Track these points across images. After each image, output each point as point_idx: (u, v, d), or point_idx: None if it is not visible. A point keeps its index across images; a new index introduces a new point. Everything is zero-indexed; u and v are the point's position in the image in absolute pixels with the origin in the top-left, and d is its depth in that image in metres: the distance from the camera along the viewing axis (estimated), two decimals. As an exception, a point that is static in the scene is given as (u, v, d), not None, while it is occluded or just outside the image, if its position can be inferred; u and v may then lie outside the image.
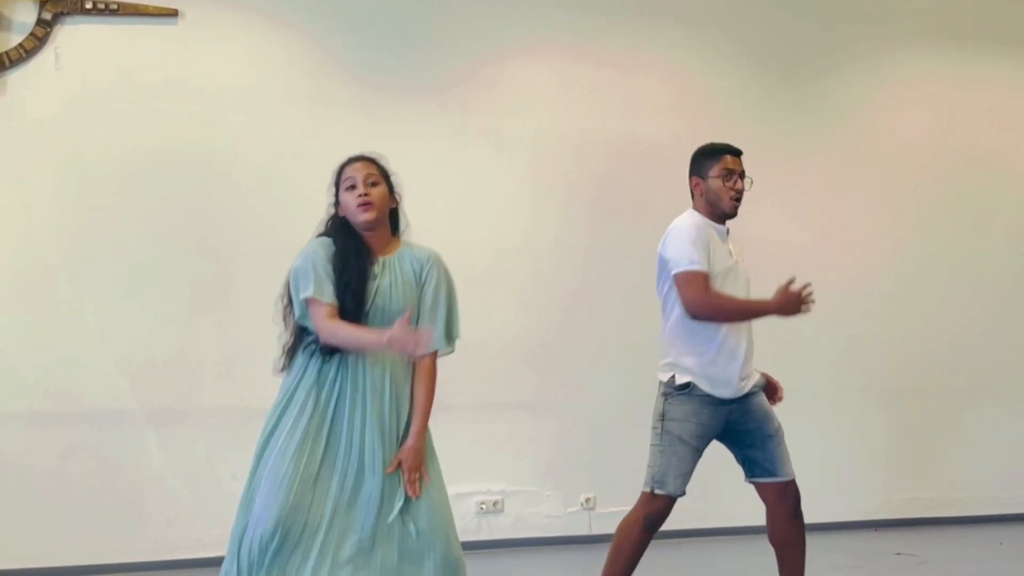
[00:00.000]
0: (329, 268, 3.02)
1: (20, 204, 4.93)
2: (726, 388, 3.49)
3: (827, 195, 6.05)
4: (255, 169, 5.19)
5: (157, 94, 5.07)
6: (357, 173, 3.11)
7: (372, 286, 3.02)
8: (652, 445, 3.52)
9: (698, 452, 3.50)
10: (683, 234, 3.48)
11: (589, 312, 5.61)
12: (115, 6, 5.02)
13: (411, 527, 2.97)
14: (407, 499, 2.98)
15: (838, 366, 5.99)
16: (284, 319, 3.22)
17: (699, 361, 3.49)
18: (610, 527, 5.42)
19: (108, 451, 4.95)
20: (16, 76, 4.93)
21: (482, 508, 5.39)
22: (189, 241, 5.10)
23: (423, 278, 3.12)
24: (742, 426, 3.55)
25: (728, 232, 3.66)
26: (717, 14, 5.93)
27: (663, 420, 3.49)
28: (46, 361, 4.90)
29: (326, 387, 3.03)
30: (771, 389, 3.72)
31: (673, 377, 3.51)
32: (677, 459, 3.43)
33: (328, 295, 2.98)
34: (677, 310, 3.51)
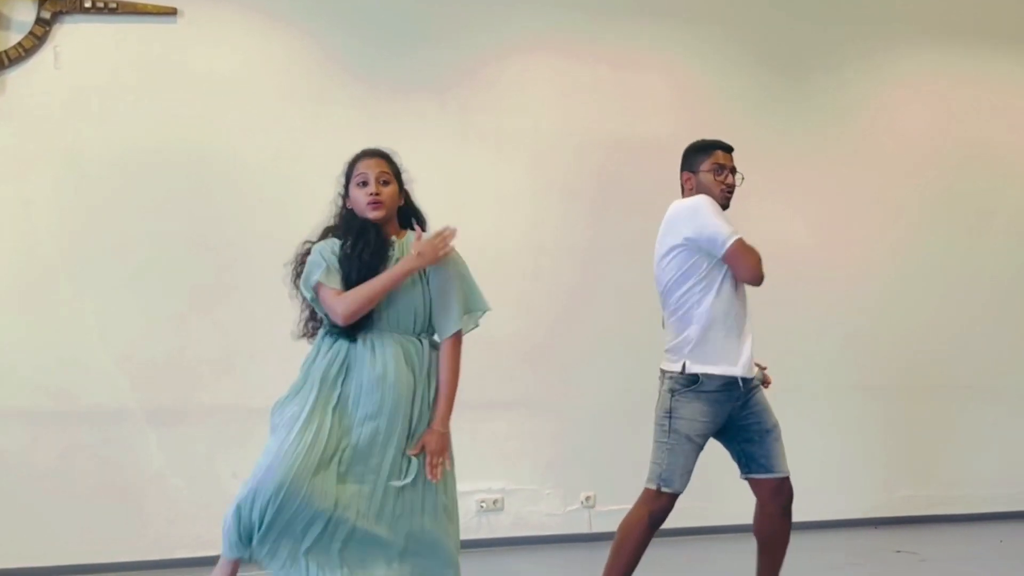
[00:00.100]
0: (336, 261, 3.01)
1: (19, 203, 4.92)
2: (740, 363, 3.46)
3: (827, 193, 6.06)
4: (255, 168, 5.19)
5: (156, 93, 5.07)
6: (370, 170, 3.12)
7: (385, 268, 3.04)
8: (658, 441, 3.48)
9: (701, 448, 3.50)
10: (707, 208, 3.48)
11: (589, 310, 5.62)
12: (114, 5, 5.01)
13: (417, 519, 2.99)
14: (420, 494, 2.98)
15: (838, 364, 5.99)
16: (296, 289, 3.23)
17: (712, 337, 3.46)
18: (610, 525, 5.44)
19: (108, 450, 4.95)
20: (15, 75, 4.93)
21: (482, 506, 5.39)
22: (189, 240, 5.09)
23: (436, 277, 3.14)
24: (741, 420, 3.54)
25: None
26: (717, 12, 5.93)
27: (670, 417, 3.46)
28: (46, 360, 4.90)
29: (335, 366, 3.04)
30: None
31: (683, 367, 3.46)
32: (684, 457, 3.42)
33: (335, 283, 3.00)
34: (690, 287, 3.49)
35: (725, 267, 3.50)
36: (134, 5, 5.05)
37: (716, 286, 3.49)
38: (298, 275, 3.17)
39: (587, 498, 5.57)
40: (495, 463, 5.41)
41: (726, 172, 3.60)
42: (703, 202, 3.50)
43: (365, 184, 3.10)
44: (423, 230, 3.21)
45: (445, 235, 2.97)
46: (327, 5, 5.35)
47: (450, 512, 3.11)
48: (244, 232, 5.15)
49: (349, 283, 3.01)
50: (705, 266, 3.49)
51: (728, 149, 3.67)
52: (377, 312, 3.03)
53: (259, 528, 2.89)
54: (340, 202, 3.20)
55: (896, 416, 6.09)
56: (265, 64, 5.27)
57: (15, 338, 4.88)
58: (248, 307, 5.12)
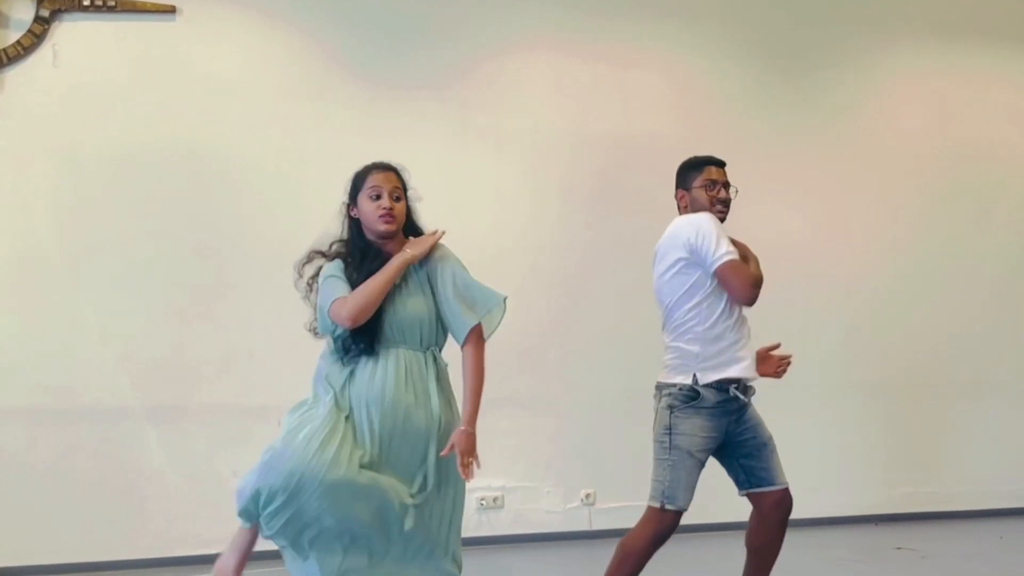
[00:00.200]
0: (340, 285, 3.04)
1: (19, 201, 4.92)
2: (741, 369, 3.45)
3: (826, 190, 6.05)
4: (254, 166, 5.19)
5: (155, 91, 5.07)
6: (384, 184, 3.11)
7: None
8: (659, 459, 3.45)
9: (702, 464, 3.48)
10: (707, 225, 3.46)
11: (589, 308, 5.61)
12: (113, 3, 5.01)
13: (424, 523, 3.00)
14: (426, 498, 3.01)
15: (838, 361, 5.99)
16: (307, 300, 3.24)
17: (714, 349, 3.46)
18: (610, 523, 5.47)
19: (108, 448, 4.95)
20: (14, 73, 4.93)
21: (482, 504, 5.39)
22: (188, 238, 5.09)
23: (431, 276, 3.15)
24: (737, 436, 3.53)
25: None
26: (715, 10, 5.93)
27: (670, 434, 3.43)
28: (46, 358, 4.90)
29: (342, 382, 3.04)
30: (772, 360, 3.67)
31: (694, 378, 3.44)
32: (687, 473, 3.39)
33: (341, 292, 3.01)
34: (694, 303, 3.50)
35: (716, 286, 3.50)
36: (133, 3, 5.05)
37: (721, 304, 3.48)
38: (309, 287, 3.18)
39: (587, 495, 5.57)
40: (495, 461, 5.37)
41: (718, 187, 3.59)
42: (704, 218, 3.48)
43: (378, 198, 3.08)
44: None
45: (436, 234, 2.98)
46: (326, 4, 5.35)
47: (456, 504, 3.12)
48: (243, 230, 5.15)
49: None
50: (709, 284, 3.47)
51: (720, 164, 3.66)
52: (383, 325, 3.02)
53: (269, 507, 2.89)
54: (345, 211, 3.17)
55: (896, 413, 6.08)
56: (264, 63, 5.27)
57: (15, 336, 4.89)
58: (248, 305, 5.12)
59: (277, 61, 5.29)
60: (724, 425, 3.47)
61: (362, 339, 3.01)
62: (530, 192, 5.59)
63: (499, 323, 3.22)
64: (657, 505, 3.40)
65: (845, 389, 5.99)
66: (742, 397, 3.47)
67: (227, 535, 5.00)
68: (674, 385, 3.47)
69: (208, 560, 4.97)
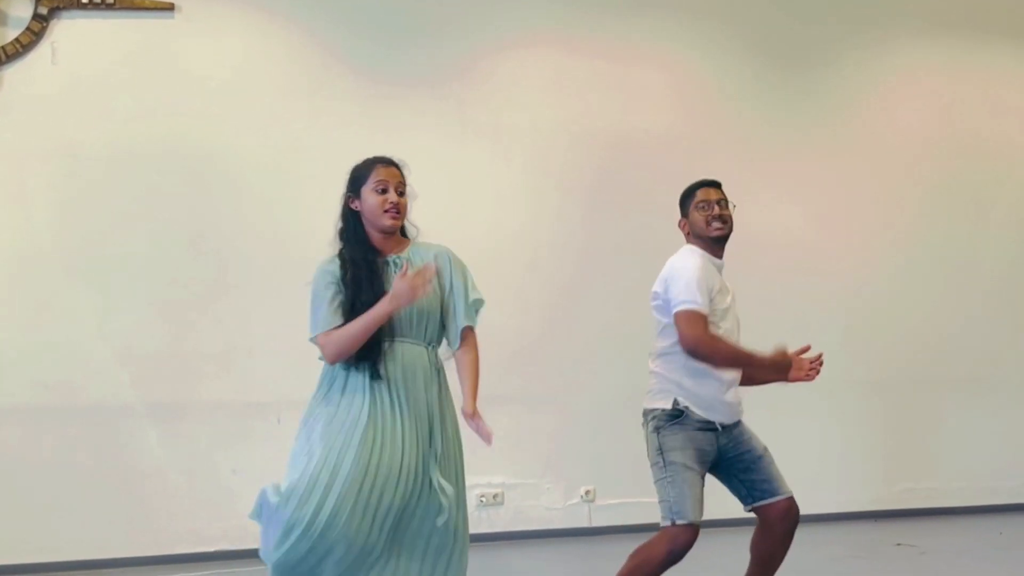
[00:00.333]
0: (333, 297, 2.99)
1: (18, 198, 4.92)
2: (719, 412, 3.47)
3: (825, 187, 6.05)
4: (253, 163, 5.19)
5: (153, 88, 5.07)
6: (391, 178, 3.09)
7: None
8: (658, 480, 3.43)
9: (702, 476, 3.45)
10: (688, 273, 3.45)
11: (588, 304, 5.61)
12: (111, 0, 5.01)
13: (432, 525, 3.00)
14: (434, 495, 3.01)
15: (838, 358, 5.92)
16: None
17: (695, 384, 3.47)
18: (610, 519, 5.48)
19: (108, 445, 4.95)
20: (13, 71, 4.93)
21: (482, 501, 5.39)
22: (187, 235, 5.09)
23: (441, 274, 3.14)
24: (732, 452, 3.52)
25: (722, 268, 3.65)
26: (715, 6, 5.93)
27: (662, 453, 3.43)
28: (46, 356, 4.90)
29: (356, 392, 3.00)
30: (804, 364, 3.64)
31: (673, 403, 3.44)
32: (688, 486, 3.38)
33: (328, 324, 2.96)
34: (673, 342, 3.48)
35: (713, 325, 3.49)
36: (131, 1, 5.04)
37: None
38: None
39: (587, 492, 5.57)
40: (495, 457, 5.34)
41: (712, 205, 3.59)
42: (690, 265, 3.47)
43: (384, 191, 3.07)
44: (408, 240, 3.19)
45: (426, 275, 2.90)
46: (325, 0, 5.34)
47: (459, 501, 3.12)
48: (243, 227, 5.15)
49: (352, 310, 2.99)
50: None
51: (710, 184, 3.66)
52: (394, 323, 3.02)
53: (288, 552, 2.86)
54: (345, 202, 3.15)
55: (895, 409, 6.08)
56: (263, 60, 5.27)
57: (14, 334, 4.88)
58: (247, 302, 5.12)
59: (276, 58, 5.29)
60: (714, 439, 3.47)
61: (365, 365, 2.99)
62: (529, 189, 5.59)
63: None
64: (668, 524, 3.37)
65: (845, 385, 5.97)
66: (726, 422, 3.48)
67: (226, 532, 5.04)
68: (657, 409, 3.49)
69: (209, 557, 5.00)
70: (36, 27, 4.93)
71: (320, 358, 3.02)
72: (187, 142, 5.10)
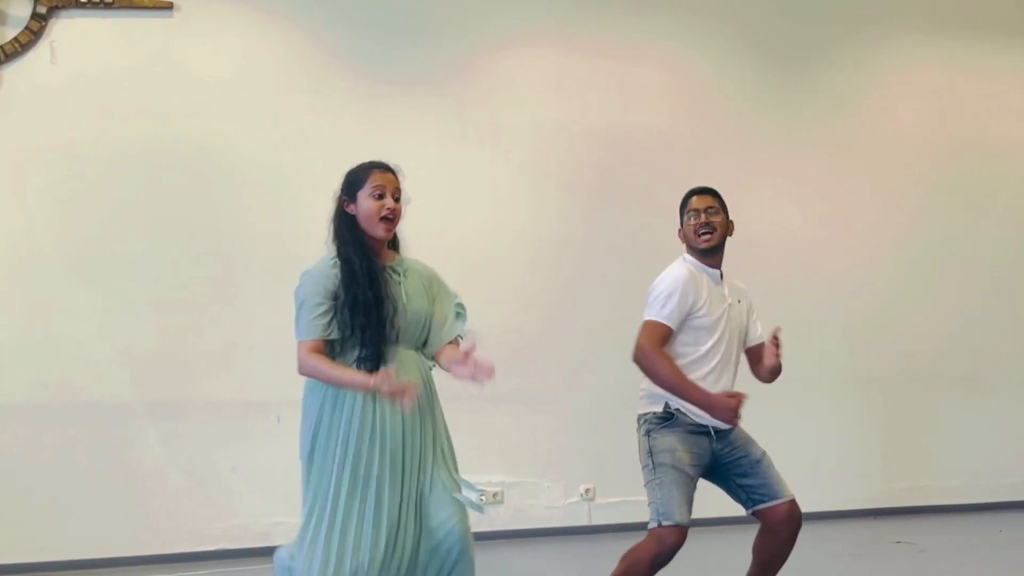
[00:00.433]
0: (318, 305, 2.96)
1: (17, 197, 4.92)
2: (711, 417, 3.47)
3: (825, 185, 6.06)
4: (252, 162, 5.19)
5: (152, 87, 5.07)
6: (388, 184, 3.08)
7: (388, 305, 3.02)
8: (647, 483, 3.44)
9: (693, 481, 3.45)
10: (664, 284, 3.51)
11: (588, 302, 5.61)
12: (110, 0, 5.01)
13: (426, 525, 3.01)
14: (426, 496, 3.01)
15: (837, 355, 5.99)
16: None
17: (692, 380, 3.47)
18: (610, 518, 5.48)
19: (108, 445, 4.95)
20: (11, 70, 4.92)
21: (482, 499, 5.39)
22: (187, 234, 5.09)
23: (432, 292, 3.16)
24: (728, 457, 3.52)
25: (722, 275, 3.63)
26: (714, 5, 5.93)
27: (652, 455, 3.44)
28: (45, 355, 4.90)
29: (347, 416, 2.99)
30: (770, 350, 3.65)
31: (664, 406, 3.46)
32: (676, 487, 3.38)
33: (315, 332, 2.94)
34: (678, 346, 3.51)
35: (689, 332, 3.50)
36: (130, 0, 5.04)
37: (691, 355, 3.50)
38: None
39: (587, 491, 5.57)
40: (495, 456, 5.41)
41: (700, 214, 3.59)
42: (673, 277, 3.51)
43: (381, 196, 3.07)
44: (396, 252, 3.18)
45: (409, 392, 2.84)
46: (324, -1, 5.35)
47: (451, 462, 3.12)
48: (242, 226, 5.15)
49: (353, 310, 2.99)
50: (672, 335, 3.51)
51: (700, 192, 3.66)
52: (399, 327, 3.03)
53: None
54: (339, 205, 3.12)
55: (895, 407, 6.09)
56: (262, 59, 5.27)
57: (14, 333, 4.88)
58: (247, 301, 5.12)
59: (275, 57, 5.29)
60: (706, 444, 3.46)
61: (370, 361, 2.99)
62: (528, 188, 5.59)
63: None
64: (655, 525, 3.38)
65: (844, 383, 5.99)
66: (721, 427, 3.48)
67: (227, 531, 5.04)
68: (648, 413, 3.51)
69: (208, 556, 5.00)
70: (35, 26, 4.92)
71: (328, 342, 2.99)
72: (186, 141, 5.10)
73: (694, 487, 3.45)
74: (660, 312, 3.44)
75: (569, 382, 5.56)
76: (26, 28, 4.92)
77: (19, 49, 4.91)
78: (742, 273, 3.78)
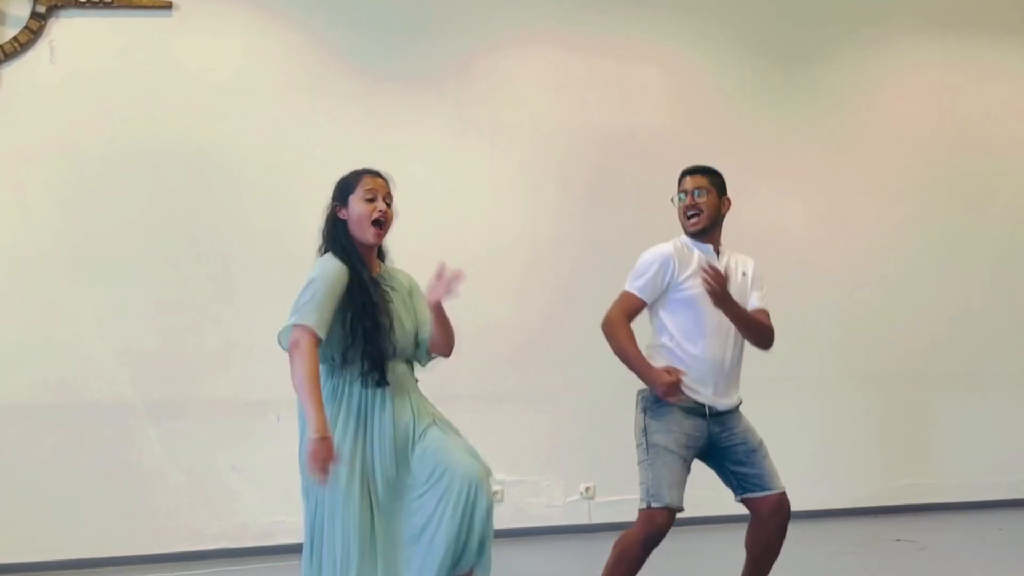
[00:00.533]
0: (330, 296, 2.96)
1: (17, 197, 4.92)
2: (706, 395, 3.48)
3: (823, 182, 6.06)
4: (252, 161, 5.19)
5: (152, 87, 5.07)
6: (380, 188, 3.09)
7: (386, 319, 3.03)
8: (640, 462, 3.48)
9: (686, 463, 3.46)
10: (647, 259, 3.57)
11: (588, 300, 5.55)
12: (109, 0, 5.01)
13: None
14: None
15: (836, 353, 6.00)
16: None
17: (683, 356, 3.49)
18: (610, 516, 5.47)
19: (108, 444, 4.95)
20: (11, 69, 4.92)
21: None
22: (187, 234, 5.09)
23: (414, 303, 3.17)
24: (724, 442, 3.53)
25: (720, 250, 3.64)
26: (712, 4, 5.93)
27: (647, 434, 3.48)
28: (45, 354, 4.90)
29: (351, 419, 3.01)
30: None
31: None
32: (667, 469, 3.40)
33: (310, 320, 2.92)
34: (661, 316, 3.57)
35: (673, 309, 3.54)
36: (129, 0, 5.04)
37: (680, 330, 3.54)
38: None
39: (586, 489, 5.58)
40: (494, 454, 5.29)
41: (687, 195, 3.61)
42: (656, 252, 3.56)
43: (372, 200, 3.07)
44: (382, 260, 3.18)
45: (321, 467, 2.81)
46: (323, -3, 5.35)
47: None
48: (242, 225, 5.15)
49: (343, 316, 2.99)
50: (658, 308, 3.58)
51: (690, 172, 3.67)
52: (395, 341, 3.04)
53: None
54: (331, 211, 3.12)
55: (895, 404, 6.09)
56: (261, 58, 5.27)
57: (14, 333, 4.88)
58: (247, 300, 5.12)
59: (274, 56, 5.29)
60: (703, 426, 3.47)
61: (375, 373, 2.99)
62: (527, 186, 5.59)
63: None
64: (644, 506, 3.40)
65: (843, 381, 5.99)
66: (716, 407, 3.48)
67: (227, 530, 5.04)
68: (646, 390, 3.53)
69: (209, 555, 5.00)
70: (34, 25, 4.92)
71: (282, 341, 2.97)
72: (186, 140, 5.10)
73: (687, 469, 3.47)
74: (634, 284, 3.55)
75: (569, 380, 5.56)
76: (25, 27, 4.92)
77: (18, 48, 4.91)
78: (742, 271, 3.77)
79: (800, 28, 6.07)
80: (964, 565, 4.85)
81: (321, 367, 2.99)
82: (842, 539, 5.33)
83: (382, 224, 3.06)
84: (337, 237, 3.07)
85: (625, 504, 5.39)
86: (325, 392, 2.99)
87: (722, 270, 3.49)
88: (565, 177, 5.63)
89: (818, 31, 6.09)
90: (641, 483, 3.44)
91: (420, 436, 3.04)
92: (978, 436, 6.19)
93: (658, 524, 3.37)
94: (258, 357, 5.07)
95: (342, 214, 3.08)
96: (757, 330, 3.53)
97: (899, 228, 6.18)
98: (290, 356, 2.92)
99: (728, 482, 3.59)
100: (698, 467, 3.75)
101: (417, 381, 3.18)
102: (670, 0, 5.85)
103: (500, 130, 5.55)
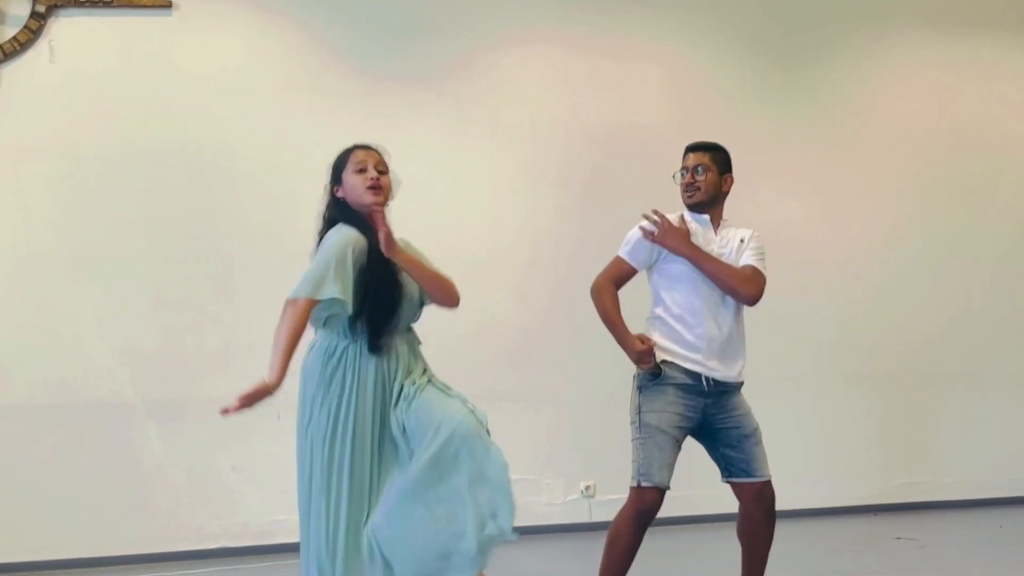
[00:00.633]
0: (343, 267, 2.99)
1: (17, 197, 4.92)
2: (701, 362, 3.49)
3: (822, 181, 6.06)
4: (251, 160, 5.19)
5: (151, 86, 5.07)
6: (368, 158, 3.15)
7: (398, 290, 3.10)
8: (632, 440, 3.52)
9: (677, 443, 3.49)
10: (634, 232, 3.66)
11: (587, 299, 5.54)
12: (109, -1, 5.01)
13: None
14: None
15: (835, 351, 6.00)
16: None
17: (671, 343, 3.52)
18: (610, 515, 5.41)
19: (109, 444, 4.96)
20: (10, 69, 4.92)
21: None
22: (186, 233, 5.09)
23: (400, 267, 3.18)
24: (718, 423, 3.55)
25: (720, 222, 3.66)
26: (712, 2, 5.92)
27: (640, 413, 3.51)
28: (45, 354, 4.90)
29: (347, 378, 3.10)
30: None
31: (654, 363, 3.54)
32: (659, 449, 3.43)
33: (317, 293, 2.96)
34: (655, 286, 3.66)
35: (665, 279, 3.62)
36: (129, -1, 5.04)
37: (662, 295, 3.63)
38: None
39: (587, 487, 5.58)
40: (495, 453, 5.40)
41: (687, 172, 3.66)
42: (638, 229, 3.64)
43: (363, 171, 3.10)
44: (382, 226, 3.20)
45: (245, 405, 2.98)
46: (322, -3, 5.35)
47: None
48: (242, 224, 5.15)
49: (364, 294, 3.02)
50: (654, 278, 3.67)
51: (692, 148, 3.72)
52: (401, 313, 3.09)
53: None
54: (329, 192, 3.18)
55: (895, 402, 6.09)
56: (260, 57, 5.26)
57: (14, 333, 4.89)
58: (247, 299, 5.12)
59: (274, 55, 5.29)
60: (699, 405, 3.50)
61: (379, 336, 3.02)
62: (527, 185, 5.59)
63: None
64: (635, 484, 3.44)
65: (843, 379, 5.99)
66: (706, 384, 3.49)
67: (227, 529, 5.05)
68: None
69: (209, 554, 5.00)
70: (34, 25, 4.92)
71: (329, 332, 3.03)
72: (186, 140, 5.10)
73: (678, 449, 3.50)
74: (623, 249, 3.68)
75: (569, 379, 5.56)
76: (25, 27, 4.91)
77: (18, 48, 4.91)
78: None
79: (799, 27, 6.06)
80: (964, 563, 4.85)
81: (322, 333, 3.12)
82: (842, 537, 5.33)
83: (378, 189, 3.07)
84: (341, 217, 3.09)
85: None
86: (324, 357, 3.09)
87: (716, 239, 3.54)
88: (565, 176, 5.63)
89: (817, 30, 6.09)
90: (633, 461, 3.49)
91: (415, 395, 3.07)
92: (978, 434, 6.19)
93: (647, 502, 3.42)
94: (258, 357, 5.00)
95: (339, 193, 3.12)
96: (729, 278, 3.50)
97: (898, 227, 6.18)
98: (282, 313, 3.03)
99: (717, 462, 3.64)
100: (698, 466, 3.77)
101: (420, 344, 3.22)
102: (670, 0, 5.85)
103: (500, 129, 5.55)
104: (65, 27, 4.98)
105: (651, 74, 5.81)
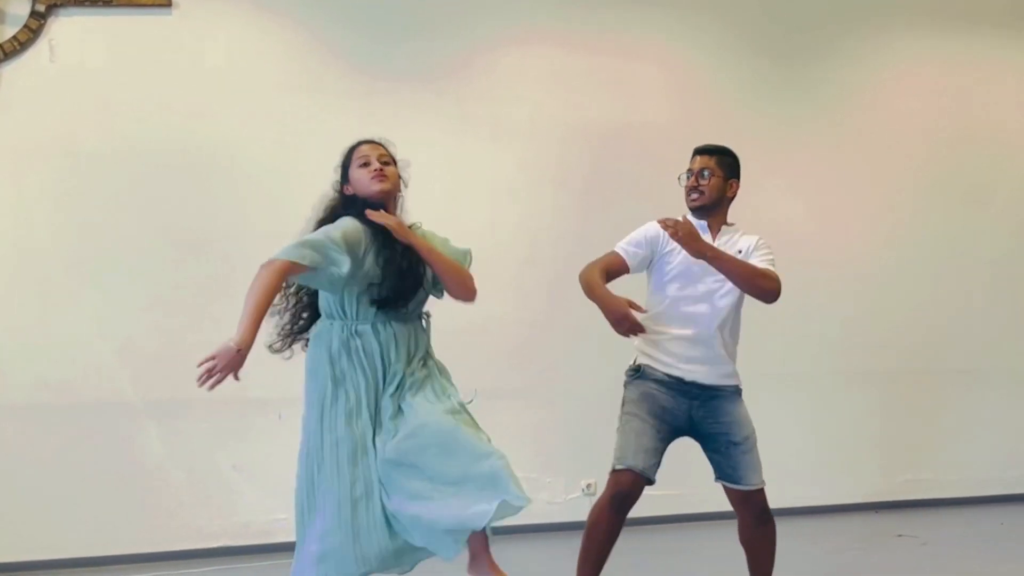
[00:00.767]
0: (333, 243, 2.99)
1: (16, 196, 4.92)
2: (667, 359, 3.54)
3: (823, 179, 6.06)
4: (252, 159, 5.19)
5: (151, 86, 5.06)
6: (371, 151, 3.19)
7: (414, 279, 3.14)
8: (616, 430, 3.60)
9: (657, 432, 3.49)
10: (641, 227, 3.69)
11: (586, 298, 5.59)
12: (108, -2, 5.01)
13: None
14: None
15: (836, 349, 6.00)
16: None
17: (651, 347, 3.59)
18: (611, 513, 5.47)
19: (109, 443, 4.95)
20: (10, 68, 4.92)
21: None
22: (186, 232, 5.09)
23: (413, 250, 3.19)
24: (706, 428, 3.56)
25: (721, 228, 3.67)
26: (712, 1, 5.92)
27: (623, 405, 3.63)
28: (46, 354, 4.90)
29: (349, 360, 3.14)
30: None
31: (634, 360, 3.66)
32: (635, 434, 3.47)
33: (303, 257, 2.96)
34: (651, 287, 3.69)
35: (652, 283, 3.68)
36: (129, -2, 5.04)
37: (653, 294, 3.68)
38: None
39: (588, 485, 5.57)
40: (495, 452, 5.40)
41: (691, 175, 3.67)
42: (643, 226, 3.68)
43: (366, 164, 3.13)
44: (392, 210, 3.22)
45: (219, 371, 3.03)
46: (322, -4, 5.35)
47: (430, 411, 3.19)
48: (241, 223, 5.14)
49: (381, 276, 3.04)
50: (649, 283, 3.70)
51: (699, 152, 3.73)
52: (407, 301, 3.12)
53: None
54: (338, 189, 3.23)
55: (895, 400, 6.09)
56: (260, 55, 5.26)
57: (14, 332, 4.88)
58: (246, 299, 5.11)
59: (274, 54, 5.29)
60: (683, 404, 3.54)
61: (392, 303, 3.07)
62: (527, 183, 5.59)
63: None
64: (612, 469, 3.50)
65: (843, 377, 5.99)
66: (693, 381, 3.53)
67: (227, 528, 5.05)
68: (629, 367, 3.70)
69: (210, 554, 5.00)
70: (34, 24, 4.92)
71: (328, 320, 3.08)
72: (186, 139, 5.10)
73: (660, 438, 3.52)
74: (621, 243, 3.68)
75: (569, 377, 5.56)
76: (25, 26, 4.91)
77: (18, 47, 4.91)
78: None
79: (799, 25, 6.06)
80: (966, 560, 4.85)
81: (322, 322, 3.17)
82: (844, 535, 5.33)
83: (384, 178, 3.10)
84: (349, 213, 3.12)
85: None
86: (324, 339, 3.16)
87: (715, 245, 3.56)
88: (564, 174, 5.64)
89: (816, 28, 6.09)
90: (614, 449, 3.52)
91: (410, 388, 3.13)
92: (979, 431, 6.19)
93: (622, 485, 3.43)
94: (258, 355, 5.04)
95: (348, 190, 3.15)
96: (749, 275, 3.49)
97: (899, 225, 6.18)
98: (258, 272, 3.02)
99: (710, 462, 3.65)
100: (697, 465, 3.77)
101: (425, 332, 3.25)
102: (670, -2, 5.86)
103: (499, 128, 5.55)
104: (65, 26, 4.98)
105: (651, 73, 5.81)
